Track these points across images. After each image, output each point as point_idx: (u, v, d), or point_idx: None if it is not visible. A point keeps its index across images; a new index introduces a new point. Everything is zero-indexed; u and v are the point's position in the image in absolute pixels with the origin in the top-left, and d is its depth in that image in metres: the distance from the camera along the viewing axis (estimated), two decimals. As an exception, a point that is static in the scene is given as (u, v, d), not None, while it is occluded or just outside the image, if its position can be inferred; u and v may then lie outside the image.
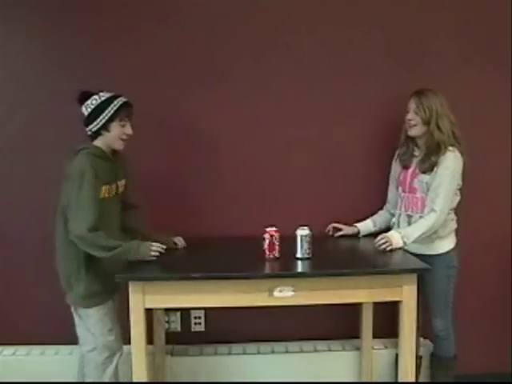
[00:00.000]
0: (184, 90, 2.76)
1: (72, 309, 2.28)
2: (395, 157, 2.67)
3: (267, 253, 2.28)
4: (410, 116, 2.50)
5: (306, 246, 2.30)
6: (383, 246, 2.37)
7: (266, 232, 2.29)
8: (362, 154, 2.84)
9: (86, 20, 2.71)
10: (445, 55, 2.81)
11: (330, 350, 2.83)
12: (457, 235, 2.58)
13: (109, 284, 2.20)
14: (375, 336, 2.77)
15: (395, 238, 2.38)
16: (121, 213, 2.40)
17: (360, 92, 2.81)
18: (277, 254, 2.28)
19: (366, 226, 2.70)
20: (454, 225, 2.56)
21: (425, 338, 2.76)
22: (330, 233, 2.71)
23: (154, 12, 2.71)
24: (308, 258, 2.29)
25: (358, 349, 2.82)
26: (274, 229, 2.30)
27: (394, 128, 2.68)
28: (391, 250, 2.36)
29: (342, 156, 2.85)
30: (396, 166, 2.66)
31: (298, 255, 2.30)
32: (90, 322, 2.25)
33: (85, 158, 2.17)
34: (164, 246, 2.29)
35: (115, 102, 2.22)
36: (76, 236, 2.12)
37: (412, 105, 2.50)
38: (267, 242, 2.28)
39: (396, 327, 2.29)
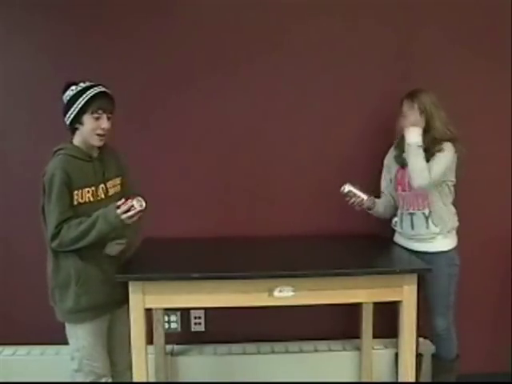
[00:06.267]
0: (185, 89, 2.78)
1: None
2: (389, 153, 2.68)
3: None
4: (403, 120, 2.50)
5: (361, 193, 2.49)
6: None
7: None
8: (363, 154, 2.83)
9: (90, 20, 2.73)
10: (443, 52, 2.82)
11: (330, 350, 2.83)
12: (457, 234, 2.58)
13: (99, 299, 2.09)
14: (375, 336, 2.77)
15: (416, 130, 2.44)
16: None
17: (361, 92, 2.82)
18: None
19: (377, 206, 2.61)
20: (455, 222, 2.56)
21: (425, 337, 2.76)
22: (345, 191, 2.50)
23: (159, 11, 2.73)
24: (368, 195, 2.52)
25: (358, 349, 2.82)
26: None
27: (395, 126, 2.68)
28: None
29: (343, 156, 2.85)
30: (391, 163, 2.66)
31: (366, 198, 2.51)
32: (78, 344, 2.12)
33: (58, 160, 2.03)
34: (130, 205, 1.99)
35: (88, 92, 2.03)
36: (51, 247, 2.04)
37: (405, 108, 2.49)
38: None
39: (396, 327, 2.29)
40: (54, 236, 2.00)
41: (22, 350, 2.79)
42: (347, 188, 2.48)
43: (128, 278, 2.05)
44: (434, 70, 2.80)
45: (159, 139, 2.78)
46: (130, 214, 1.98)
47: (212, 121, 2.81)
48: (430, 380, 2.75)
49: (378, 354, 2.82)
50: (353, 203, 2.50)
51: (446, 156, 2.44)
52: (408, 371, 2.20)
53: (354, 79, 2.81)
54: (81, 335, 2.11)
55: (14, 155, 2.77)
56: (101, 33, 2.73)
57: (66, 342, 2.66)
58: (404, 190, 2.56)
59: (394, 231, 2.68)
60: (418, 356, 2.57)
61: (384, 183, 2.72)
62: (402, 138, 2.54)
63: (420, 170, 2.39)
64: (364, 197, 2.50)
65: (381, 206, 2.63)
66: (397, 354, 2.72)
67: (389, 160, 2.69)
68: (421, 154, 2.41)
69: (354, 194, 2.49)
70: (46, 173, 2.02)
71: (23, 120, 2.76)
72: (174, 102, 2.78)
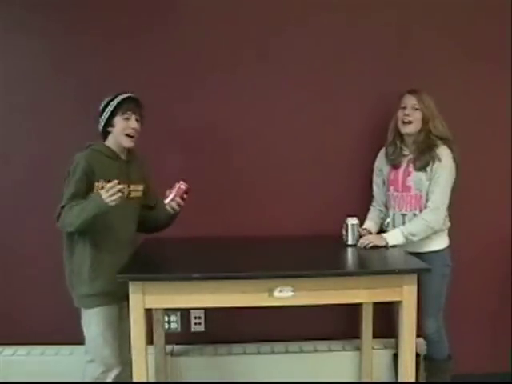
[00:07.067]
0: (185, 89, 2.78)
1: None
2: (380, 156, 2.68)
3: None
4: (407, 111, 2.49)
5: (356, 233, 2.47)
6: (365, 245, 2.44)
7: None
8: (363, 154, 2.83)
9: (92, 19, 2.73)
10: (444, 52, 2.83)
11: (330, 350, 2.83)
12: (457, 235, 2.57)
13: (111, 285, 2.14)
14: (375, 336, 2.77)
15: (395, 235, 2.44)
16: (143, 216, 2.39)
17: (360, 92, 2.82)
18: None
19: (372, 228, 2.66)
20: (447, 222, 2.56)
21: (425, 338, 2.75)
22: (347, 222, 2.52)
23: (159, 11, 2.74)
24: (355, 245, 2.48)
25: (358, 349, 2.82)
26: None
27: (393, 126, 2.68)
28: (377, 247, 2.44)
29: (343, 156, 2.86)
30: (382, 165, 2.66)
31: (350, 242, 2.48)
32: (91, 332, 2.21)
33: (85, 153, 2.19)
34: (115, 184, 2.04)
35: (118, 98, 2.23)
36: (58, 227, 2.13)
37: (410, 101, 2.50)
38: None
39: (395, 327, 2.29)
40: (58, 216, 2.10)
41: (22, 349, 2.79)
42: (350, 221, 2.47)
43: (128, 277, 2.05)
44: (433, 71, 2.80)
45: (159, 139, 2.77)
46: (111, 191, 2.02)
47: (211, 121, 2.80)
48: (424, 380, 2.75)
49: (378, 354, 2.82)
50: (342, 236, 2.50)
51: (445, 173, 2.44)
52: (408, 371, 2.19)
53: (354, 79, 2.81)
54: (94, 322, 2.20)
55: (14, 155, 2.77)
56: (101, 33, 2.73)
57: (66, 342, 2.67)
58: (397, 191, 2.56)
59: (384, 232, 2.66)
60: (416, 356, 2.57)
61: (376, 189, 2.71)
62: (395, 136, 2.55)
63: (427, 228, 2.43)
64: (352, 241, 2.48)
65: (375, 230, 2.65)
66: (394, 355, 2.74)
67: (380, 162, 2.68)
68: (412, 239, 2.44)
69: (351, 231, 2.48)
70: (73, 162, 2.15)
71: (23, 120, 2.76)
72: (173, 102, 2.78)
